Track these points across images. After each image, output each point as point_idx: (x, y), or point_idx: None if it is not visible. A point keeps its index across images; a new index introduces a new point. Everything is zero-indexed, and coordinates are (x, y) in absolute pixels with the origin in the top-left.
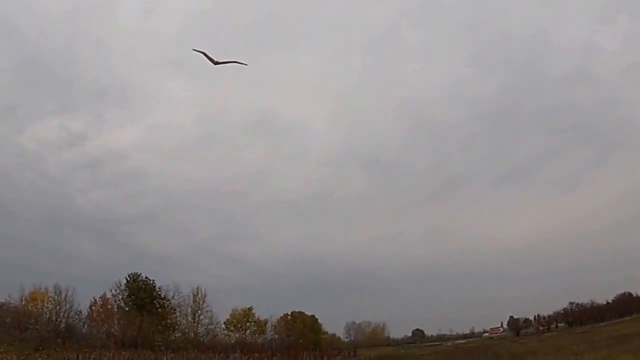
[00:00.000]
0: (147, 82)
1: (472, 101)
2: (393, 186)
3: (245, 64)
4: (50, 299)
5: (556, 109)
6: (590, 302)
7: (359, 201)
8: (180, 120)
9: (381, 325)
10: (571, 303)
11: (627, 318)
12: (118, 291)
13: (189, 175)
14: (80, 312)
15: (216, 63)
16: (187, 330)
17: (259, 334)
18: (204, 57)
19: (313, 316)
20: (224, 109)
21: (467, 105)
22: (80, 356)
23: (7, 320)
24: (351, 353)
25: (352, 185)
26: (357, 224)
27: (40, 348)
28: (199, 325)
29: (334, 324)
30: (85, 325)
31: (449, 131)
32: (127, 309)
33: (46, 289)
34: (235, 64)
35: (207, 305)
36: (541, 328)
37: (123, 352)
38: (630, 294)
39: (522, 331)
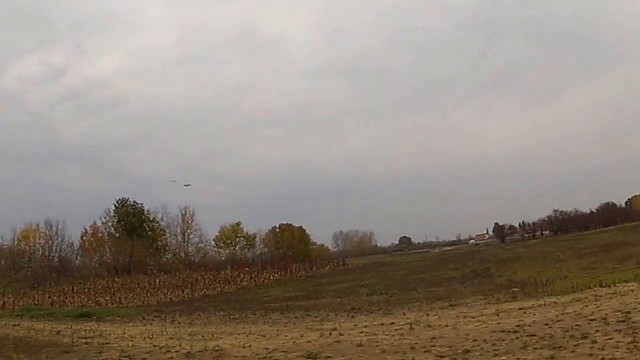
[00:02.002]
0: (125, 8)
1: (452, 7)
2: (375, 94)
3: None
4: (42, 234)
5: (538, 18)
6: (574, 210)
7: (342, 111)
8: (161, 42)
9: (368, 234)
10: (555, 211)
11: (611, 227)
12: (107, 218)
13: (172, 96)
14: (72, 244)
15: None
16: (177, 250)
17: (249, 249)
18: None
19: (301, 227)
20: (204, 27)
21: (448, 12)
22: (74, 288)
23: (2, 262)
24: (340, 262)
25: (334, 95)
26: (342, 134)
27: (36, 285)
28: (189, 245)
29: (322, 235)
30: (78, 257)
31: (429, 37)
32: (117, 235)
33: (37, 225)
34: None
35: (196, 224)
36: (526, 235)
37: (117, 279)
38: (614, 204)
39: (508, 238)
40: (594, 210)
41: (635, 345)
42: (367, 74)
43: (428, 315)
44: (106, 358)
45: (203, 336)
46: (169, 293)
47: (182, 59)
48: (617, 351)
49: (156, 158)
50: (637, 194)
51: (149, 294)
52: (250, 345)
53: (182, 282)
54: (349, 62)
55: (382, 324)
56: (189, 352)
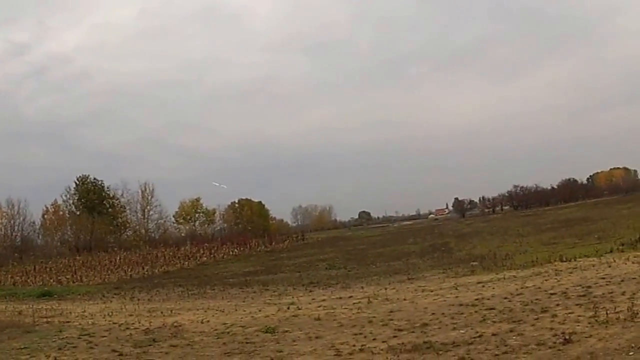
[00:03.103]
0: None
1: None
2: (337, 68)
3: None
4: (4, 214)
5: None
6: (535, 186)
7: (304, 84)
8: (123, 16)
9: (328, 208)
10: (515, 186)
11: (572, 204)
12: (68, 196)
13: (134, 70)
14: (34, 222)
15: None
16: (137, 227)
17: (208, 224)
18: None
19: (260, 202)
20: (166, 1)
21: None
22: (36, 267)
23: None
24: (299, 237)
25: (296, 69)
26: (303, 108)
27: None
28: (149, 221)
29: (281, 209)
30: (40, 236)
31: (392, 12)
32: (78, 213)
33: None
34: None
35: (156, 200)
36: (486, 210)
37: (78, 257)
38: (575, 180)
39: (468, 213)
40: (555, 186)
41: (596, 320)
42: (330, 48)
43: (386, 289)
44: (67, 337)
45: (162, 312)
46: (129, 270)
47: (145, 33)
48: (578, 325)
49: (118, 133)
50: (599, 170)
51: (109, 272)
52: (208, 321)
53: (142, 259)
54: (312, 35)
55: (340, 298)
56: (147, 328)
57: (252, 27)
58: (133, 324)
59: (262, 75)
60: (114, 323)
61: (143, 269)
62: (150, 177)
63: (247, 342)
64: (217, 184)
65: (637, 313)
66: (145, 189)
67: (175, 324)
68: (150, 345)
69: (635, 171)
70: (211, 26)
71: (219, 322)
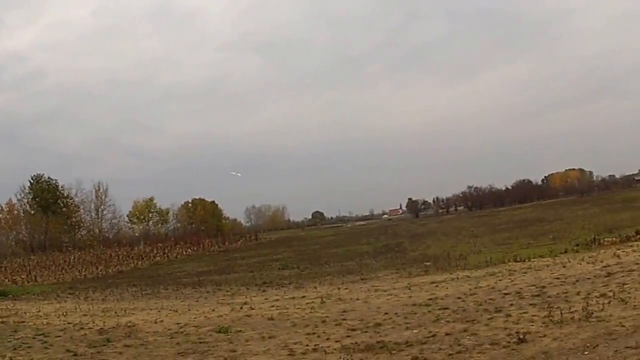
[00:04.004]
0: None
1: None
2: (291, 68)
3: None
4: None
5: None
6: (489, 186)
7: (257, 84)
8: (79, 15)
9: (281, 208)
10: (470, 187)
11: (526, 204)
12: (23, 195)
13: (89, 69)
14: None
15: None
16: (92, 227)
17: (162, 224)
18: None
19: (213, 202)
20: (121, 0)
21: None
22: None
23: None
24: (252, 237)
25: (249, 69)
26: (257, 107)
27: None
28: (103, 221)
29: (234, 209)
30: None
31: (347, 12)
32: (32, 212)
33: None
34: None
35: (110, 200)
36: (440, 210)
37: (32, 257)
38: (529, 181)
39: (421, 213)
40: (510, 187)
41: (551, 319)
42: (284, 47)
43: (339, 289)
44: (22, 337)
45: (116, 312)
46: (83, 270)
47: (100, 32)
48: (533, 325)
49: (72, 132)
50: (554, 171)
51: (63, 272)
52: (162, 321)
53: (96, 258)
54: (265, 35)
55: (294, 298)
56: (102, 328)
57: (205, 27)
58: (87, 324)
59: (215, 75)
60: (68, 323)
61: (97, 268)
62: (104, 177)
63: (200, 342)
64: (234, 173)
65: (592, 313)
66: (99, 189)
67: (129, 324)
68: (104, 345)
69: (590, 172)
70: (164, 26)
71: (172, 322)
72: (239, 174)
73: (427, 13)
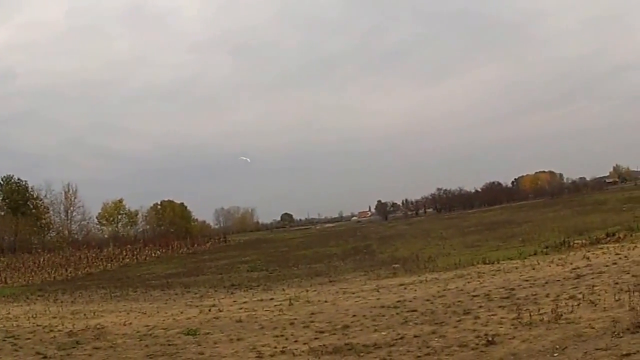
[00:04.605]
0: None
1: None
2: (263, 69)
3: None
4: None
5: None
6: (459, 189)
7: (228, 85)
8: (51, 15)
9: (250, 210)
10: (439, 189)
11: (496, 207)
12: None
13: (60, 70)
14: None
15: None
16: (61, 228)
17: (131, 226)
18: None
19: (182, 204)
20: (94, 1)
21: None
22: None
23: None
24: (221, 239)
25: (221, 70)
26: (227, 109)
27: None
28: (72, 223)
29: (203, 211)
30: None
31: (318, 13)
32: (2, 213)
33: None
34: None
35: (79, 201)
36: (409, 213)
37: (2, 258)
38: (499, 184)
39: (391, 215)
40: (479, 190)
41: (520, 321)
42: (255, 48)
43: (308, 291)
44: None
45: (85, 314)
46: (52, 272)
47: (72, 32)
48: (502, 327)
49: (42, 133)
50: (524, 174)
51: (33, 273)
52: (131, 323)
53: (65, 260)
54: (237, 36)
55: (262, 300)
56: (71, 330)
57: (177, 28)
58: (57, 326)
59: (187, 76)
60: (38, 325)
61: (66, 270)
62: (74, 178)
63: (169, 345)
64: (243, 158)
65: (562, 315)
66: (69, 190)
67: (98, 326)
68: (73, 347)
69: (561, 174)
70: (137, 26)
71: (141, 324)
72: (247, 159)
73: (399, 15)
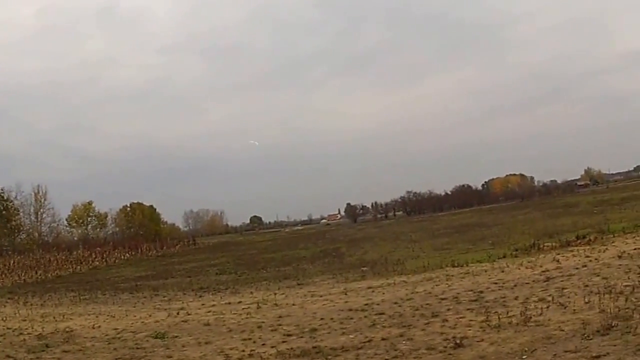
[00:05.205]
0: None
1: None
2: (234, 70)
3: None
4: None
5: (401, 1)
6: (428, 192)
7: (200, 86)
8: (21, 14)
9: (219, 213)
10: (409, 192)
11: (466, 209)
12: None
13: (31, 69)
14: None
15: None
16: (31, 230)
17: (101, 228)
18: None
19: (152, 206)
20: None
21: None
22: None
23: None
24: (190, 241)
25: (192, 71)
26: (198, 110)
27: None
28: (42, 225)
29: (173, 213)
30: None
31: (290, 15)
32: None
33: None
34: None
35: (49, 203)
36: (379, 216)
37: None
38: (469, 186)
39: (360, 218)
40: (449, 192)
41: (488, 324)
42: (227, 50)
43: (276, 294)
44: None
45: (54, 317)
46: (22, 274)
47: (43, 32)
48: (470, 330)
49: (12, 134)
50: (495, 177)
51: (3, 276)
52: (99, 326)
53: (35, 263)
54: (209, 37)
55: (230, 304)
56: (40, 334)
57: (149, 29)
58: (26, 329)
59: (158, 77)
60: (7, 328)
61: (36, 273)
62: (44, 180)
63: (137, 348)
64: (252, 142)
65: (531, 317)
66: (39, 192)
67: (67, 330)
68: (43, 350)
69: (532, 177)
70: (108, 27)
71: (110, 327)
72: (256, 143)
73: (371, 18)
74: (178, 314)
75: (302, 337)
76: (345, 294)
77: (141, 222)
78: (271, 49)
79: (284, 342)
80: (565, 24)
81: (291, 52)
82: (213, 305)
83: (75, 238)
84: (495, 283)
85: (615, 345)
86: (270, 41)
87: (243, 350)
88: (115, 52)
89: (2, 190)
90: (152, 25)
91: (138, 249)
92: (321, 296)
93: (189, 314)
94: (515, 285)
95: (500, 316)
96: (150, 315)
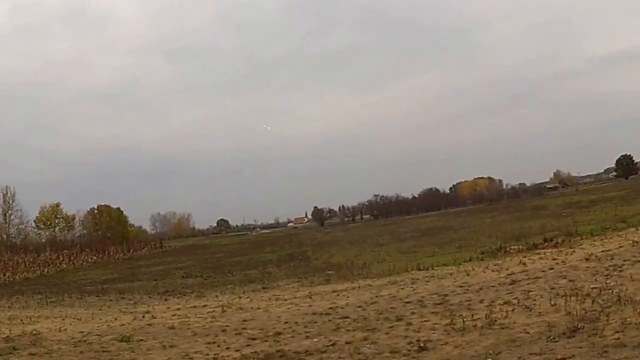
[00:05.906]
0: None
1: None
2: (201, 73)
3: None
4: None
5: (372, 4)
6: (396, 195)
7: (167, 89)
8: None
9: (186, 216)
10: (376, 195)
11: (433, 212)
12: None
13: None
14: None
15: None
16: None
17: (68, 230)
18: None
19: (119, 209)
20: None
21: None
22: None
23: None
24: (157, 244)
25: (159, 74)
26: (165, 113)
27: None
28: (10, 226)
29: (140, 216)
30: None
31: (257, 19)
32: None
33: None
34: None
35: (17, 205)
36: (346, 219)
37: None
38: (437, 190)
39: (327, 221)
40: (417, 196)
41: (453, 327)
42: (194, 53)
43: (241, 298)
44: None
45: (22, 320)
46: None
47: (14, 32)
48: (434, 333)
49: None
50: (463, 180)
51: None
52: (66, 329)
53: (3, 265)
54: (176, 40)
55: (195, 307)
56: (8, 336)
57: (117, 31)
58: None
59: (126, 78)
60: None
61: (4, 275)
62: (12, 181)
63: (103, 351)
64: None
65: (495, 320)
66: (7, 193)
67: (34, 332)
68: (10, 353)
69: (500, 180)
70: (78, 27)
71: (76, 330)
72: (268, 127)
73: (339, 21)
74: (144, 317)
75: (266, 340)
76: (310, 298)
77: (108, 225)
78: (238, 51)
79: (248, 345)
80: (533, 28)
81: (257, 55)
82: (178, 309)
83: (43, 240)
84: (461, 286)
85: (581, 348)
86: (237, 43)
87: (207, 354)
88: (84, 53)
89: None
90: (120, 28)
91: (105, 251)
92: (286, 300)
93: (154, 318)
94: (480, 289)
95: (465, 319)
96: (116, 319)
